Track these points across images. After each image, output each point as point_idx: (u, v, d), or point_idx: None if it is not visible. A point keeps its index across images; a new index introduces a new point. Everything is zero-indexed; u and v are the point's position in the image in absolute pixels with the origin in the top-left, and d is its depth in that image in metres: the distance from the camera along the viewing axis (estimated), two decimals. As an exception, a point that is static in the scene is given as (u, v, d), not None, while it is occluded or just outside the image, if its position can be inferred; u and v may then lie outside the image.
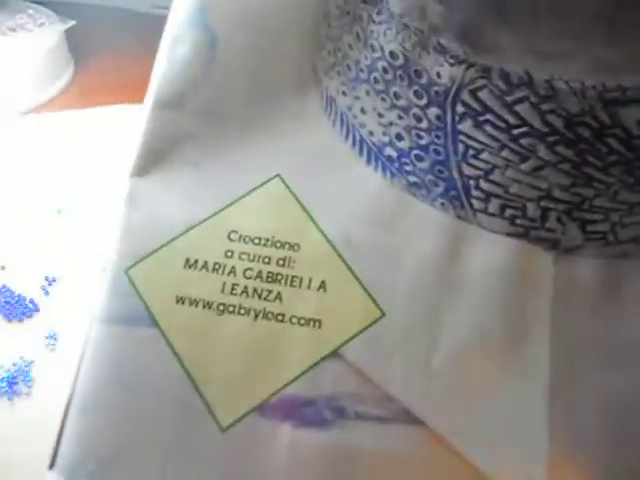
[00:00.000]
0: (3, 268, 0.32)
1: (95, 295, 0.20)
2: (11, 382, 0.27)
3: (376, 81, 0.21)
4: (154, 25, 0.49)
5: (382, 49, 0.21)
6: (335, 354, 0.19)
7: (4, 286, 0.31)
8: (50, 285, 0.32)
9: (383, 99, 0.21)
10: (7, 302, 0.30)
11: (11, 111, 0.42)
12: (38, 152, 0.39)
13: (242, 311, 0.19)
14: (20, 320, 0.30)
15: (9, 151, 0.39)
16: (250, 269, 0.20)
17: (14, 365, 0.28)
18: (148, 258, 0.20)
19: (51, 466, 0.19)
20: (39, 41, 0.43)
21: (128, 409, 0.19)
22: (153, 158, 0.21)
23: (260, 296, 0.19)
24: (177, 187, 0.20)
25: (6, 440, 0.25)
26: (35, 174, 0.38)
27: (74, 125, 0.42)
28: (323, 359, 0.19)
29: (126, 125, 0.41)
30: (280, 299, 0.19)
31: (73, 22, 0.45)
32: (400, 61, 0.20)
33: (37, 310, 0.31)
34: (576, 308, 0.20)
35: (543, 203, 0.20)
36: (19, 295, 0.31)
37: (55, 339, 0.29)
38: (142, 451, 0.18)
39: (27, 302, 0.30)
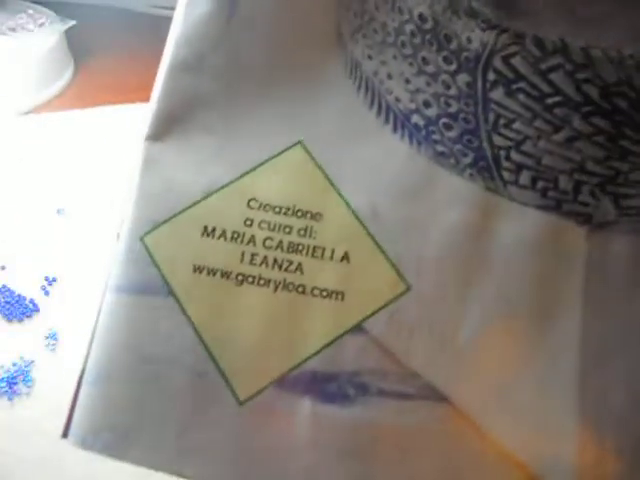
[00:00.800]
0: (3, 268, 0.32)
1: (109, 263, 0.19)
2: (11, 382, 0.27)
3: (403, 45, 0.20)
4: (154, 25, 0.49)
5: (410, 12, 0.19)
6: (358, 328, 0.18)
7: (4, 286, 0.30)
8: (50, 285, 0.31)
9: (411, 64, 0.20)
10: (7, 302, 0.30)
11: (11, 111, 0.41)
12: (38, 152, 0.38)
13: (262, 282, 0.18)
14: (20, 320, 0.29)
15: (9, 151, 0.38)
16: (270, 238, 0.19)
17: (14, 365, 0.28)
18: (164, 225, 0.19)
19: (64, 435, 0.18)
20: (39, 41, 0.42)
21: (142, 380, 0.18)
22: (169, 122, 0.20)
23: (280, 267, 0.18)
24: (194, 152, 0.19)
25: (6, 440, 0.25)
26: (35, 174, 0.37)
27: (74, 125, 0.41)
28: (345, 333, 0.18)
29: (126, 125, 0.40)
30: (301, 270, 0.18)
31: (73, 22, 0.44)
32: (429, 25, 0.19)
33: (37, 310, 0.30)
34: (609, 285, 0.19)
35: (576, 176, 0.19)
36: (19, 295, 0.30)
37: (55, 339, 0.29)
38: (157, 422, 0.17)
39: (27, 302, 0.30)
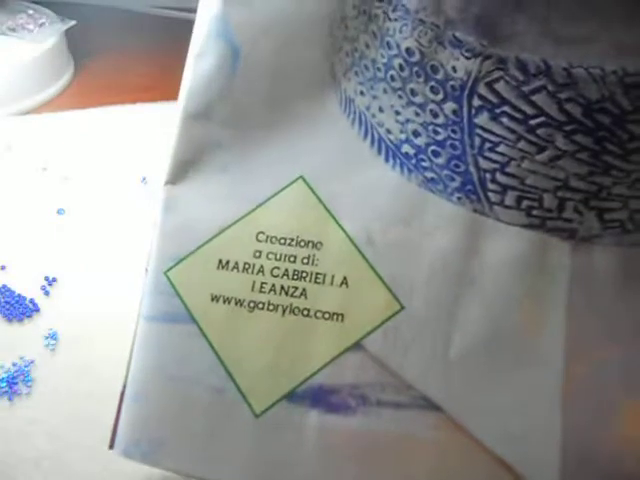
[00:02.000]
0: (3, 268, 0.28)
1: (139, 294, 0.18)
2: (11, 382, 0.24)
3: (393, 79, 0.18)
4: (154, 25, 0.45)
5: (398, 46, 0.18)
6: (357, 345, 0.17)
7: (4, 286, 0.27)
8: (50, 285, 0.27)
9: (400, 96, 0.18)
10: (7, 302, 0.26)
11: (11, 111, 0.37)
12: (38, 152, 0.34)
13: (271, 307, 0.18)
14: (20, 320, 0.26)
15: (9, 151, 0.34)
16: (277, 268, 0.18)
17: (14, 365, 0.24)
18: (184, 260, 0.18)
19: (111, 446, 0.18)
20: (39, 41, 0.38)
21: (172, 397, 0.18)
22: (185, 166, 0.19)
23: (287, 293, 0.18)
24: (208, 192, 0.19)
25: (6, 440, 0.22)
26: (35, 174, 0.33)
27: (74, 125, 0.36)
28: (346, 350, 0.17)
29: (126, 125, 0.36)
30: (305, 295, 0.18)
31: (73, 22, 0.40)
32: (416, 57, 0.17)
33: (37, 310, 0.27)
34: (593, 297, 0.17)
35: (560, 193, 0.17)
36: (19, 295, 0.27)
37: (55, 339, 0.25)
38: (186, 434, 0.17)
39: (27, 302, 0.27)
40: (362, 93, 0.19)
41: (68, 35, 0.41)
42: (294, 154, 0.19)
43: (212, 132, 0.19)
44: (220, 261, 0.18)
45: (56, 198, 0.31)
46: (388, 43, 0.18)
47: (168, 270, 0.18)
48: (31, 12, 0.40)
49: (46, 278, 0.28)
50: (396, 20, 0.18)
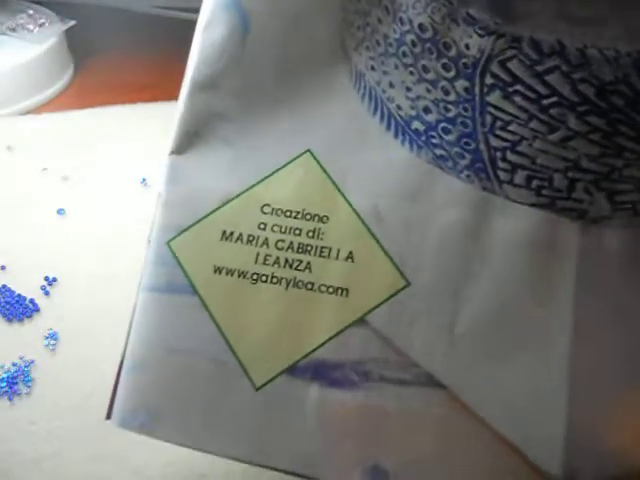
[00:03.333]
0: (3, 268, 0.28)
1: (142, 265, 0.18)
2: (11, 382, 0.24)
3: (405, 55, 0.18)
4: (154, 25, 0.44)
5: (411, 22, 0.17)
6: (362, 321, 0.17)
7: (4, 286, 0.27)
8: (50, 285, 0.28)
9: (411, 73, 0.18)
10: (7, 302, 0.27)
11: (11, 111, 0.37)
12: (38, 152, 0.34)
13: (274, 280, 0.17)
14: (20, 320, 0.26)
15: (9, 151, 0.34)
16: (282, 240, 0.18)
17: (14, 365, 0.25)
18: (188, 231, 0.18)
19: (108, 416, 0.18)
20: (39, 41, 0.38)
21: (172, 368, 0.17)
22: (190, 137, 0.19)
23: (291, 266, 0.17)
24: (213, 164, 0.18)
25: (6, 440, 0.22)
26: (35, 174, 0.33)
27: (74, 125, 0.36)
28: (350, 326, 0.17)
29: (126, 125, 0.36)
30: (310, 269, 0.17)
31: (73, 22, 0.40)
32: (429, 33, 0.17)
33: (37, 310, 0.27)
34: (601, 277, 0.17)
35: (570, 174, 0.17)
36: (19, 295, 0.27)
37: (55, 339, 0.26)
38: (185, 405, 0.17)
39: (27, 302, 0.27)
40: (373, 68, 0.19)
41: (68, 35, 0.41)
42: (302, 127, 0.19)
43: (219, 103, 0.19)
44: (224, 232, 0.18)
45: (56, 198, 0.31)
46: (401, 18, 0.18)
47: (170, 240, 0.18)
48: (31, 12, 0.40)
49: (46, 278, 0.28)
50: (409, -5, 0.18)
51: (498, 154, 0.18)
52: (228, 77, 0.19)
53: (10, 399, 0.24)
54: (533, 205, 0.18)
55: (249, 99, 0.19)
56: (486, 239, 0.18)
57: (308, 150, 0.19)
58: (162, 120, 0.36)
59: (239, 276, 0.18)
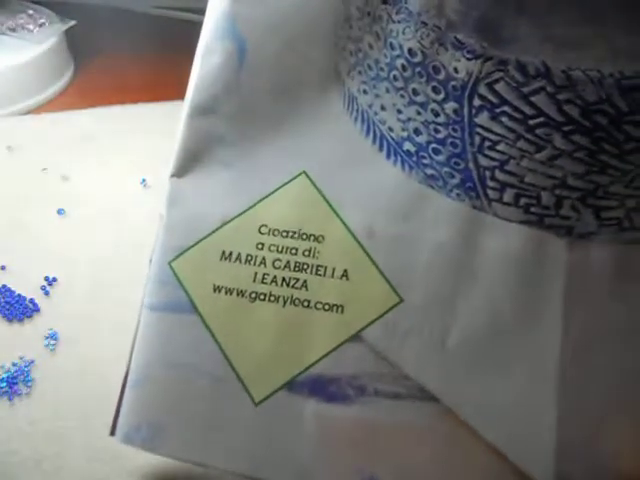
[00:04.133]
0: (3, 268, 0.28)
1: (139, 292, 0.19)
2: (11, 382, 0.24)
3: (395, 78, 0.19)
4: (154, 25, 0.44)
5: (401, 47, 0.18)
6: (356, 337, 0.18)
7: (4, 286, 0.27)
8: (50, 285, 0.27)
9: (402, 96, 0.19)
10: (7, 302, 0.26)
11: (11, 111, 0.37)
12: (38, 152, 0.34)
13: (272, 298, 0.18)
14: (20, 320, 0.26)
15: (9, 151, 0.34)
16: (279, 260, 0.18)
17: (14, 365, 0.24)
18: (188, 251, 0.19)
19: (112, 433, 0.18)
20: (39, 41, 0.38)
21: (173, 385, 0.18)
22: (190, 160, 0.19)
23: (288, 284, 0.18)
24: (212, 186, 0.19)
25: (6, 440, 0.22)
26: (35, 174, 0.33)
27: (74, 125, 0.36)
28: (345, 341, 0.18)
29: (126, 125, 0.36)
30: (306, 287, 0.18)
31: (73, 22, 0.39)
32: (418, 58, 0.18)
33: (37, 310, 0.26)
34: (589, 292, 0.18)
35: (557, 191, 0.18)
36: (19, 295, 0.27)
37: (55, 339, 0.25)
38: (186, 421, 0.18)
39: (27, 302, 0.26)
40: (365, 91, 0.20)
41: (68, 35, 0.41)
42: (297, 150, 0.19)
43: (217, 127, 0.19)
44: (223, 252, 0.19)
45: (56, 198, 0.31)
46: (391, 44, 0.19)
47: (172, 261, 0.19)
48: (31, 12, 0.40)
49: (46, 278, 0.28)
50: (399, 22, 0.18)
51: (487, 173, 0.18)
52: (225, 102, 0.20)
53: (10, 399, 0.23)
54: (522, 222, 0.18)
55: (246, 123, 0.20)
56: (476, 256, 0.18)
57: (303, 171, 0.19)
58: (162, 120, 0.36)
59: (238, 295, 0.18)
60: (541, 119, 0.17)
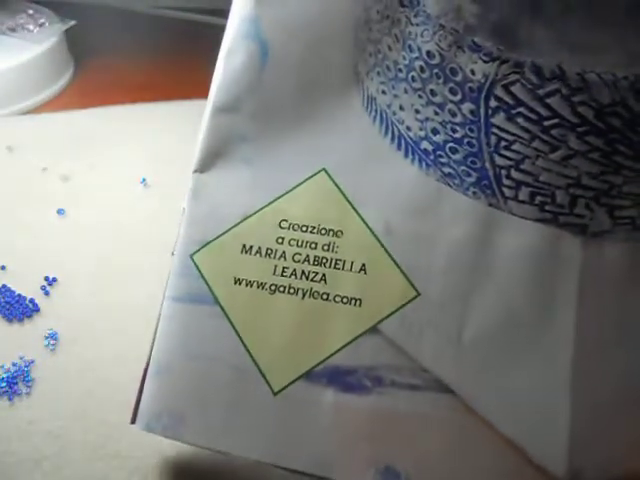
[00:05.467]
0: (3, 268, 0.28)
1: (166, 276, 0.19)
2: (11, 382, 0.24)
3: (414, 80, 0.19)
4: (154, 25, 0.45)
5: (419, 49, 0.19)
6: (374, 329, 0.18)
7: (4, 286, 0.27)
8: (50, 285, 0.27)
9: (420, 96, 0.19)
10: (7, 302, 0.26)
11: (11, 111, 0.37)
12: (38, 152, 0.34)
13: (291, 291, 0.19)
14: (20, 320, 0.26)
15: (9, 151, 0.34)
16: (299, 253, 0.19)
17: (14, 365, 0.24)
18: (210, 244, 0.19)
19: (132, 421, 0.19)
20: (39, 41, 0.38)
21: (194, 374, 0.18)
22: (212, 157, 0.20)
23: (307, 277, 0.19)
24: (234, 182, 0.20)
25: (6, 440, 0.22)
26: (35, 174, 0.33)
27: (74, 125, 0.36)
28: (363, 334, 0.18)
29: (126, 125, 0.36)
30: (325, 280, 0.19)
31: (73, 22, 0.39)
32: (436, 60, 0.18)
33: (37, 310, 0.26)
34: (603, 289, 0.18)
35: (572, 190, 0.18)
36: (19, 295, 0.27)
37: (55, 339, 0.25)
38: (206, 409, 0.18)
39: (27, 302, 0.27)
40: (384, 92, 0.20)
41: (68, 35, 0.41)
42: (317, 148, 0.20)
43: (239, 125, 0.20)
44: (244, 246, 0.19)
45: (56, 198, 0.31)
46: (410, 46, 0.19)
47: (194, 253, 0.19)
48: (31, 12, 0.40)
49: (46, 278, 0.28)
50: (418, 25, 0.19)
51: (503, 172, 0.19)
52: (248, 101, 0.20)
53: (10, 399, 0.23)
54: (537, 220, 0.19)
55: (267, 121, 0.20)
56: (492, 252, 0.19)
57: (323, 169, 0.20)
58: (162, 120, 0.37)
59: (258, 287, 0.19)
60: (556, 120, 0.18)
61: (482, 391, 0.18)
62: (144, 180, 0.33)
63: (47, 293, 0.27)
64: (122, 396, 0.23)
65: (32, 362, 0.25)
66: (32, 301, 0.27)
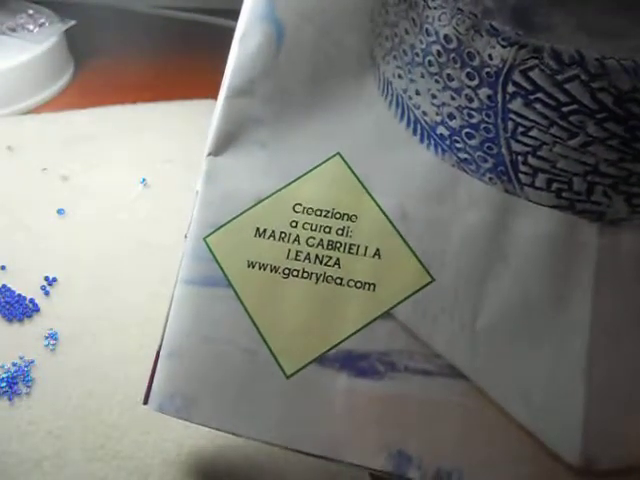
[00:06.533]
0: (3, 268, 0.28)
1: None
2: (11, 382, 0.24)
3: (430, 64, 0.19)
4: (154, 25, 0.45)
5: (437, 33, 0.19)
6: (388, 314, 0.18)
7: (4, 286, 0.27)
8: (50, 285, 0.28)
9: (437, 81, 0.19)
10: (7, 302, 0.26)
11: (11, 111, 0.37)
12: (38, 152, 0.34)
13: (305, 275, 0.19)
14: (20, 320, 0.26)
15: (9, 151, 0.34)
16: (312, 237, 0.19)
17: (14, 365, 0.25)
18: (223, 227, 0.19)
19: (145, 402, 0.19)
20: (39, 41, 0.38)
21: (207, 356, 0.19)
22: (226, 139, 0.20)
23: (321, 262, 0.19)
24: (248, 165, 0.20)
25: (6, 440, 0.22)
26: (35, 174, 0.33)
27: (74, 125, 0.36)
28: (377, 318, 0.18)
29: (126, 125, 0.36)
30: (339, 264, 0.19)
31: (73, 22, 0.40)
32: (454, 44, 0.18)
33: (37, 310, 0.27)
34: (619, 277, 0.18)
35: (589, 177, 0.18)
36: (19, 295, 0.27)
37: (55, 339, 0.26)
38: (218, 391, 0.18)
39: (27, 302, 0.27)
40: (400, 76, 0.20)
41: (68, 35, 0.41)
42: (332, 132, 0.20)
43: (254, 108, 0.20)
44: (257, 229, 0.19)
45: (56, 198, 0.32)
46: (427, 30, 0.19)
47: (207, 236, 0.19)
48: (31, 12, 0.40)
49: (46, 278, 0.28)
50: (435, 8, 0.19)
51: (520, 158, 0.19)
52: (263, 84, 0.20)
53: (10, 399, 0.24)
54: (553, 207, 0.19)
55: (282, 105, 0.20)
56: (507, 239, 0.19)
57: (338, 153, 0.20)
58: (162, 120, 0.37)
59: (271, 271, 0.19)
60: (575, 106, 0.18)
61: (496, 378, 0.18)
62: (144, 180, 0.33)
63: (47, 293, 0.27)
64: (122, 396, 0.23)
65: (32, 362, 0.25)
66: (32, 301, 0.27)
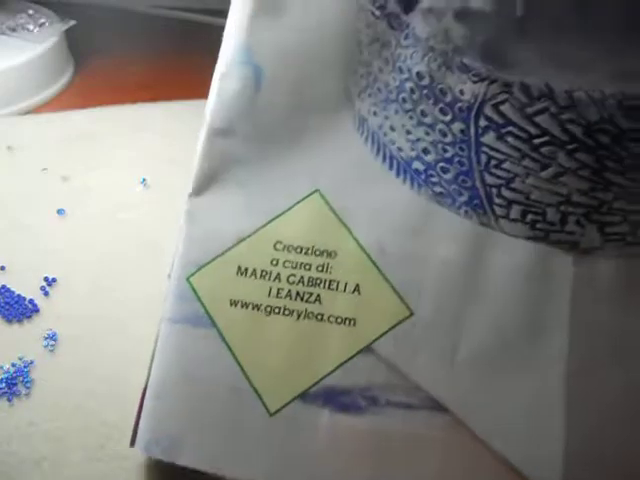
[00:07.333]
0: (3, 268, 0.28)
1: (163, 298, 0.20)
2: (10, 383, 0.23)
3: (404, 101, 0.20)
4: (154, 25, 0.45)
5: (409, 71, 0.19)
6: (368, 349, 0.19)
7: (4, 286, 0.27)
8: (50, 285, 0.27)
9: (411, 117, 0.20)
10: (7, 302, 0.26)
11: (11, 111, 0.37)
12: (38, 152, 0.34)
13: (286, 312, 0.19)
14: (20, 321, 0.26)
15: (9, 151, 0.34)
16: (293, 275, 0.19)
17: (13, 366, 0.24)
18: (205, 267, 0.20)
19: (132, 444, 0.19)
20: (39, 41, 0.38)
21: (191, 397, 0.19)
22: (207, 180, 0.21)
23: (302, 298, 0.19)
24: (228, 204, 0.20)
25: (5, 441, 0.22)
26: (35, 174, 0.32)
27: (74, 125, 0.36)
28: (357, 353, 0.19)
29: (126, 125, 0.36)
30: (319, 301, 0.19)
31: (73, 22, 0.40)
32: (426, 81, 0.19)
33: (37, 311, 0.26)
34: (595, 306, 0.18)
35: (562, 208, 0.18)
36: (19, 295, 0.27)
37: (55, 340, 0.25)
38: (204, 431, 0.19)
39: (27, 302, 0.26)
40: (375, 113, 0.21)
41: (68, 35, 0.41)
42: (310, 169, 0.20)
43: (233, 148, 0.21)
44: (239, 268, 0.20)
45: (56, 198, 0.31)
46: (400, 68, 0.20)
47: (190, 276, 0.20)
48: (31, 12, 0.40)
49: (46, 278, 0.28)
50: (407, 47, 0.20)
51: (494, 191, 0.19)
52: (242, 124, 0.21)
53: (9, 400, 0.23)
54: (528, 238, 0.19)
55: (262, 144, 0.21)
56: (483, 272, 0.19)
57: (317, 190, 0.20)
58: (162, 120, 0.37)
59: (253, 309, 0.19)
60: (545, 138, 0.18)
61: (476, 409, 0.18)
62: (144, 180, 0.33)
63: (47, 293, 0.27)
64: (122, 396, 0.23)
65: (31, 363, 0.25)
66: (31, 301, 0.27)
